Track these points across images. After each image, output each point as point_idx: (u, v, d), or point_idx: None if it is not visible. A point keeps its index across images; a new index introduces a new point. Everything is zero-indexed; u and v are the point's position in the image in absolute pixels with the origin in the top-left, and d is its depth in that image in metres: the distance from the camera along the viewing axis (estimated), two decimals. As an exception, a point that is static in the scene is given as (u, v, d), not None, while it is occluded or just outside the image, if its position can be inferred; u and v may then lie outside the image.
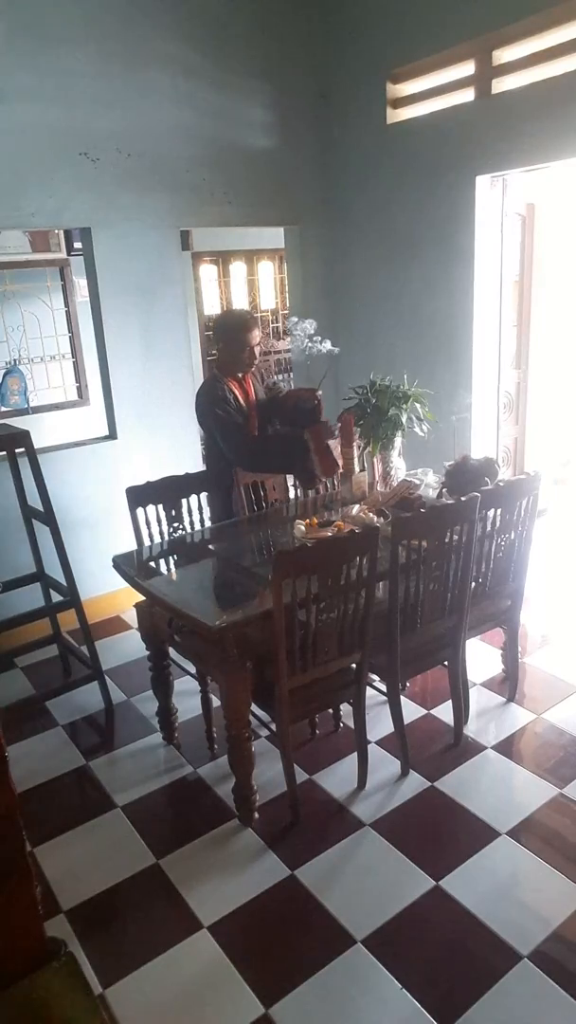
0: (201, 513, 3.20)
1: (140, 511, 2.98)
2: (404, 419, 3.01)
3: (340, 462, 2.97)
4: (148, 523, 3.01)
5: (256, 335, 3.09)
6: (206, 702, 2.95)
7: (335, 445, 2.94)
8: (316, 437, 2.87)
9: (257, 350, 3.11)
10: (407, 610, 2.51)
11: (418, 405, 3.05)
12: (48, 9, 3.35)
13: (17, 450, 3.20)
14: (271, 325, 7.61)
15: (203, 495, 3.19)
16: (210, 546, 2.95)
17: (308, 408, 3.07)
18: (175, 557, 2.95)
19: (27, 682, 3.52)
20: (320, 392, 3.10)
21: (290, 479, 3.46)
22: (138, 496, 2.98)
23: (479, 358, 3.94)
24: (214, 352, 3.36)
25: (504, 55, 3.49)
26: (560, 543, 4.41)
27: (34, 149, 3.42)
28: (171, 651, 2.86)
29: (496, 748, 2.82)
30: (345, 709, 2.82)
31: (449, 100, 3.78)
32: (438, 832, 2.44)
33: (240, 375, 3.15)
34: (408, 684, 3.19)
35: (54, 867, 2.40)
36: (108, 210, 3.69)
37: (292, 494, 3.54)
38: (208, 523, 3.23)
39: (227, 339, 3.08)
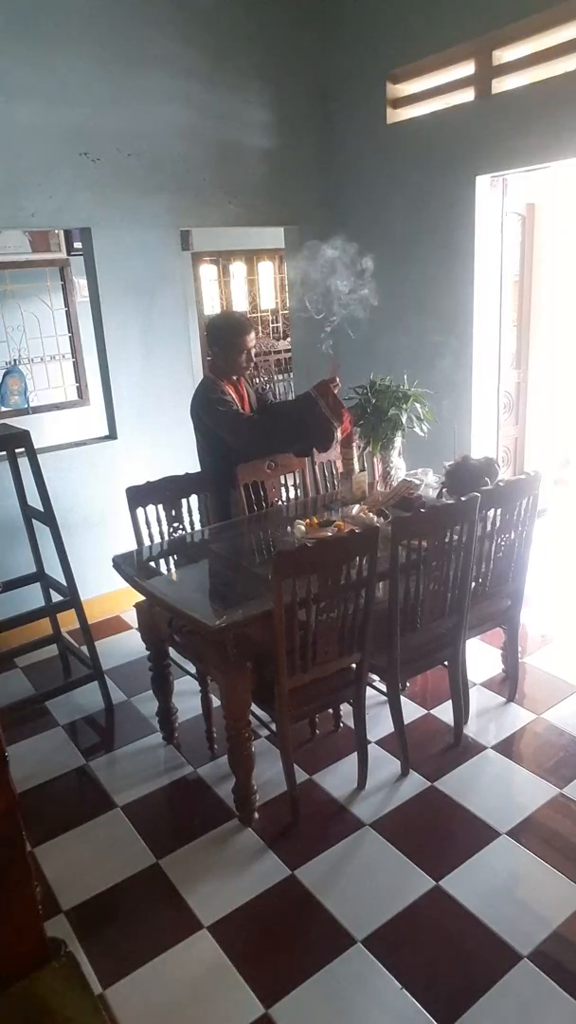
0: (201, 513, 3.20)
1: (140, 511, 2.98)
2: (404, 419, 3.01)
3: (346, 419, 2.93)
4: (148, 523, 3.01)
5: (252, 339, 3.07)
6: (206, 702, 2.95)
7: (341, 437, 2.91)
8: (325, 393, 2.83)
9: (253, 353, 3.11)
10: (407, 610, 2.51)
11: (418, 405, 3.05)
12: (49, 9, 3.35)
13: (17, 450, 3.20)
14: (271, 325, 7.61)
15: (203, 495, 3.19)
16: (210, 546, 2.95)
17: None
18: (175, 557, 2.95)
19: (27, 682, 3.52)
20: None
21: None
22: (138, 496, 2.98)
23: (479, 358, 3.94)
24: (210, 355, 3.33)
25: (504, 55, 3.49)
26: (560, 543, 4.41)
27: (34, 149, 3.42)
28: (171, 651, 2.86)
29: (496, 748, 2.82)
30: (345, 709, 2.82)
31: (449, 100, 3.78)
32: (438, 832, 2.44)
33: (235, 378, 3.14)
34: (408, 684, 3.19)
35: (54, 867, 2.40)
36: (108, 210, 3.69)
37: (292, 494, 3.54)
38: (208, 523, 3.23)
39: (223, 343, 3.06)
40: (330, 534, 2.53)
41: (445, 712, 2.98)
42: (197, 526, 3.18)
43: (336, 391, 2.85)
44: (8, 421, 3.86)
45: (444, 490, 2.94)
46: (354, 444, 3.09)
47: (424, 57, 3.79)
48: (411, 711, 3.05)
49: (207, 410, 3.00)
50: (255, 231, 6.05)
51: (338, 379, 2.90)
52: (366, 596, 2.37)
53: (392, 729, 2.75)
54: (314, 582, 2.24)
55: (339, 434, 2.89)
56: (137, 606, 2.83)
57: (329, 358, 3.01)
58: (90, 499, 3.90)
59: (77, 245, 5.39)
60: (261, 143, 4.19)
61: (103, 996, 1.95)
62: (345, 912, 2.15)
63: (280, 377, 7.45)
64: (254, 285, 7.44)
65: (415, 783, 2.65)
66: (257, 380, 7.23)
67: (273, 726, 2.52)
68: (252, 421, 3.02)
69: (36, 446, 3.14)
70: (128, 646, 3.75)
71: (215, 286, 7.15)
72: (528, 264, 4.35)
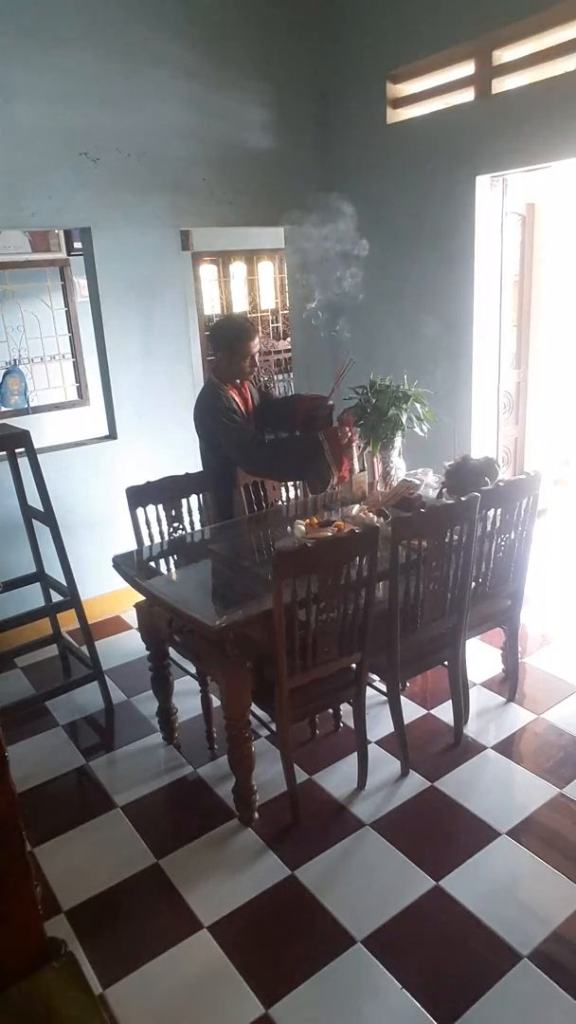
0: (201, 513, 3.20)
1: (140, 511, 2.98)
2: (404, 419, 3.01)
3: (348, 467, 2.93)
4: (148, 523, 3.01)
5: (256, 343, 3.07)
6: (206, 702, 2.95)
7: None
8: (332, 439, 2.82)
9: (256, 357, 3.10)
10: (407, 610, 2.51)
11: (418, 405, 3.05)
12: (49, 9, 3.35)
13: (17, 450, 3.20)
14: (271, 325, 7.62)
15: (203, 495, 3.19)
16: (210, 546, 2.95)
17: (321, 416, 3.06)
18: (175, 557, 2.95)
19: (27, 682, 3.52)
20: (332, 402, 3.08)
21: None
22: (138, 496, 2.98)
23: (479, 358, 3.94)
24: (211, 356, 3.34)
25: (504, 55, 3.49)
26: (560, 543, 4.42)
27: (34, 149, 3.42)
28: (171, 651, 2.86)
29: (496, 748, 2.82)
30: (345, 709, 2.82)
31: (449, 100, 3.78)
32: (438, 832, 2.44)
33: (239, 381, 3.14)
34: (408, 684, 3.19)
35: (54, 867, 2.40)
36: (108, 210, 3.69)
37: (292, 494, 3.54)
38: (208, 523, 3.23)
39: (226, 347, 3.05)
40: (330, 534, 2.53)
41: (445, 712, 2.98)
42: (197, 526, 3.18)
43: (345, 442, 2.84)
44: (8, 421, 3.86)
45: (444, 490, 2.94)
46: (354, 444, 3.09)
47: (424, 57, 3.78)
48: (411, 711, 3.05)
49: (214, 419, 2.99)
50: (255, 231, 6.05)
51: (349, 429, 2.87)
52: (366, 596, 2.37)
53: (392, 729, 2.75)
54: (314, 582, 2.24)
55: (335, 480, 2.90)
56: (137, 606, 2.83)
57: (336, 367, 3.00)
58: (90, 499, 3.90)
59: (77, 245, 5.39)
60: (261, 143, 4.19)
61: (103, 996, 1.95)
62: (345, 912, 2.15)
63: (280, 377, 7.45)
64: (254, 285, 7.44)
65: (415, 783, 2.65)
66: (264, 379, 7.24)
67: (273, 726, 2.52)
68: (257, 444, 2.99)
69: (36, 446, 3.14)
70: (128, 646, 3.75)
71: (215, 286, 7.15)
72: (528, 264, 4.36)
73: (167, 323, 4.03)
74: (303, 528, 2.66)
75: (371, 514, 2.76)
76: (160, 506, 3.04)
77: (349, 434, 2.86)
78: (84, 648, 3.34)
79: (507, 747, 2.82)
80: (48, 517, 3.15)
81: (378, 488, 3.10)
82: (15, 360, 5.74)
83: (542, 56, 3.31)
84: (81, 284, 5.77)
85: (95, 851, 2.47)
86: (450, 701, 2.86)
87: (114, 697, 3.31)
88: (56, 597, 3.42)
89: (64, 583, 3.21)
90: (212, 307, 7.12)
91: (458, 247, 3.83)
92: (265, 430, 3.23)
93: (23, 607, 3.22)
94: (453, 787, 2.62)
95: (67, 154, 3.52)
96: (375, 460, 3.09)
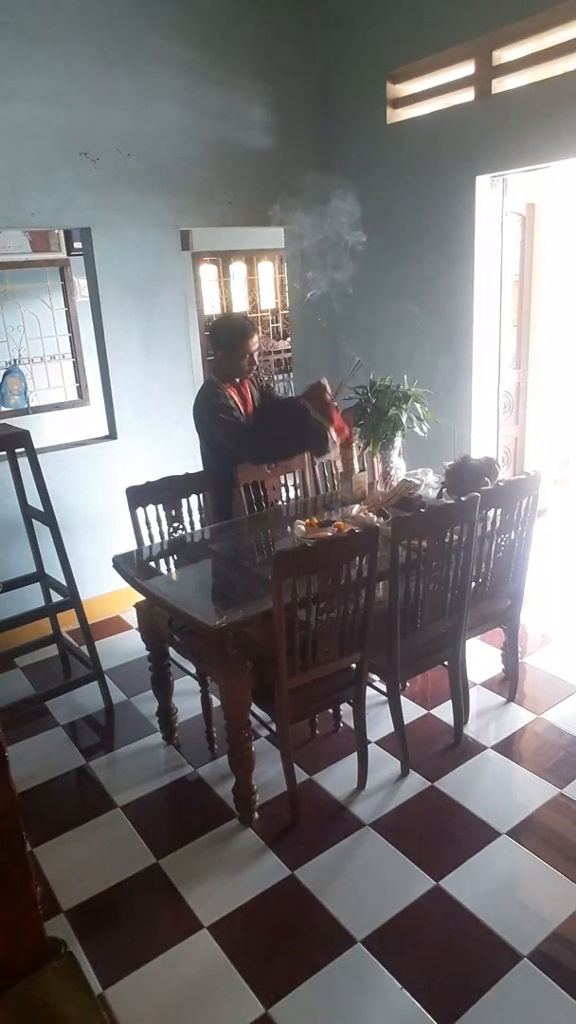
0: (201, 513, 3.20)
1: (140, 511, 2.98)
2: (404, 419, 3.01)
3: (343, 427, 2.92)
4: (148, 523, 3.01)
5: (255, 342, 3.07)
6: (206, 702, 2.95)
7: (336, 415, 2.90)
8: (313, 397, 2.84)
9: (256, 356, 3.11)
10: (407, 610, 2.51)
11: (418, 405, 3.05)
12: (49, 9, 3.35)
13: (17, 450, 3.20)
14: (271, 325, 7.62)
15: (203, 495, 3.19)
16: (210, 546, 2.95)
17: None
18: (175, 557, 2.95)
19: (27, 682, 3.52)
20: (332, 399, 3.07)
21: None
22: (138, 496, 2.98)
23: (479, 358, 3.94)
24: (211, 355, 3.34)
25: (504, 55, 3.49)
26: (560, 543, 4.42)
27: (34, 149, 3.42)
28: (171, 651, 2.86)
29: (496, 748, 2.82)
30: (345, 709, 2.82)
31: (449, 100, 3.79)
32: (438, 832, 2.44)
33: (238, 380, 3.14)
34: (408, 684, 3.19)
35: (54, 867, 2.40)
36: (108, 210, 3.69)
37: (292, 494, 3.55)
38: (208, 523, 3.23)
39: (225, 346, 3.06)
40: (330, 534, 2.52)
41: (445, 712, 2.98)
42: (197, 526, 3.18)
43: (328, 397, 2.84)
44: (8, 421, 3.86)
45: (444, 490, 2.94)
46: (354, 444, 3.09)
47: (424, 57, 3.79)
48: (411, 711, 3.05)
49: (211, 416, 3.00)
50: (255, 231, 6.04)
51: (327, 385, 2.88)
52: (366, 596, 2.37)
53: (392, 729, 2.75)
54: (314, 582, 2.24)
55: (334, 435, 2.89)
56: (137, 606, 2.83)
57: (333, 382, 2.99)
58: (90, 499, 3.90)
59: (77, 245, 5.39)
60: (261, 143, 4.19)
61: (103, 996, 1.95)
62: (345, 912, 2.15)
63: (280, 377, 7.46)
64: (254, 285, 7.44)
65: (415, 783, 2.65)
66: (264, 379, 7.24)
67: (273, 726, 2.52)
68: (253, 434, 3.01)
69: (36, 446, 3.14)
70: (128, 646, 3.75)
71: (215, 286, 7.15)
72: (528, 264, 4.35)
73: (167, 323, 4.03)
74: (303, 528, 2.66)
75: (371, 514, 2.76)
76: (160, 506, 3.04)
77: (328, 390, 2.86)
78: (84, 648, 3.34)
79: (507, 747, 2.82)
80: (48, 517, 3.15)
81: (378, 488, 3.10)
82: (15, 360, 5.74)
83: (542, 56, 3.32)
84: (81, 284, 5.77)
85: (95, 851, 2.47)
86: (450, 701, 2.86)
87: (114, 697, 3.31)
88: (56, 597, 3.41)
89: (64, 583, 3.21)
90: (212, 307, 7.12)
91: (458, 247, 3.83)
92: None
93: (23, 607, 3.22)
94: (453, 787, 2.62)
95: (67, 154, 3.52)
96: (375, 460, 3.09)
